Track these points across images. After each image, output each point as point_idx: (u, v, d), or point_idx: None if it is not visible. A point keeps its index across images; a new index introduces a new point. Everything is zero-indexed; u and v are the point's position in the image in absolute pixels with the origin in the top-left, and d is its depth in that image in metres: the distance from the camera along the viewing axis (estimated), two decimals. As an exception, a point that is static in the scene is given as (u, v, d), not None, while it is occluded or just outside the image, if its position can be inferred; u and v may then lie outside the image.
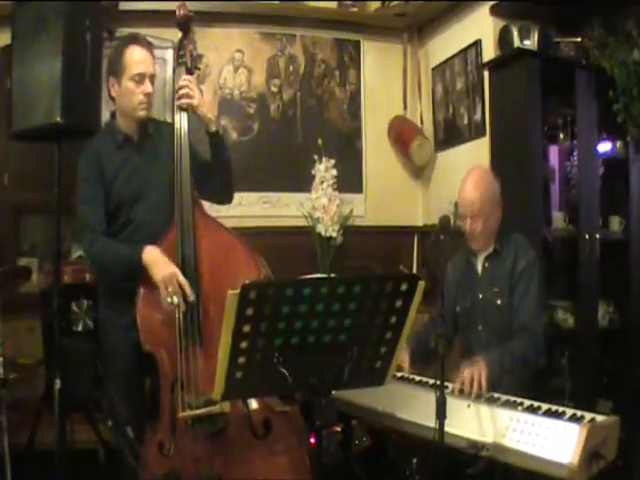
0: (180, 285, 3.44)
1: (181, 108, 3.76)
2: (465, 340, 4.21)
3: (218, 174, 3.89)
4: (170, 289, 3.42)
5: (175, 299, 3.43)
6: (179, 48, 3.89)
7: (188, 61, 3.85)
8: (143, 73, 3.74)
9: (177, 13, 3.89)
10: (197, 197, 3.70)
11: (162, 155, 3.82)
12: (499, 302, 3.98)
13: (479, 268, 4.14)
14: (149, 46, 3.87)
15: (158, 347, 3.55)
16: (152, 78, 3.81)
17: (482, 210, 3.94)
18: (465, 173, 4.13)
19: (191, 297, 3.46)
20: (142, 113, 3.81)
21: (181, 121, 3.75)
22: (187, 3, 3.94)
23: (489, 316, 4.04)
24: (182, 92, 3.73)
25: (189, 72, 3.85)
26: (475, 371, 3.46)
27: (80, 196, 3.81)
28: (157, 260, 3.51)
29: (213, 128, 3.81)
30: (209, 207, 3.91)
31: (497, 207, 4.03)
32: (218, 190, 3.97)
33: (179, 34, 5.61)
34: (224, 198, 4.07)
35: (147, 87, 3.76)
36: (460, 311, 4.20)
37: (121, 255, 3.64)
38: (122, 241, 3.76)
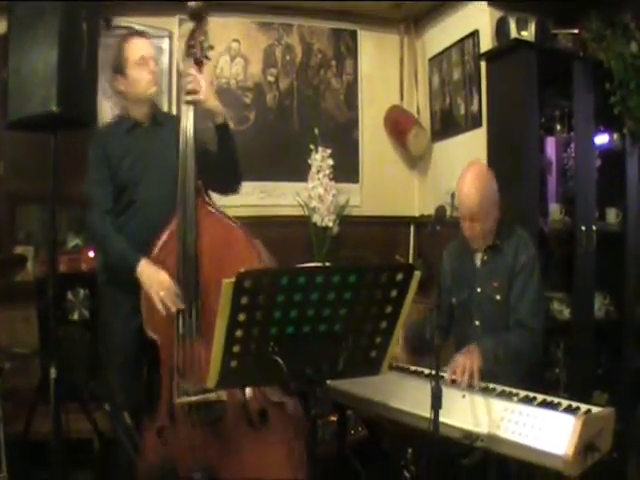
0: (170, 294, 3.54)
1: (187, 102, 3.78)
2: (460, 333, 4.17)
3: (225, 165, 3.96)
4: (161, 294, 3.52)
5: (169, 305, 3.53)
6: (190, 39, 3.89)
7: (198, 52, 3.84)
8: (145, 55, 3.93)
9: (189, 3, 3.87)
10: (201, 187, 3.72)
11: (168, 142, 3.87)
12: (498, 297, 3.94)
13: (478, 261, 4.09)
14: (144, 35, 4.09)
15: (160, 334, 3.62)
16: (154, 58, 4.00)
17: (481, 212, 3.87)
18: (462, 171, 4.02)
19: (172, 308, 3.52)
20: (152, 90, 4.00)
21: (187, 115, 3.76)
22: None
23: (487, 311, 4.00)
24: (188, 88, 3.75)
25: (197, 63, 3.85)
26: (468, 360, 3.46)
27: (89, 179, 3.97)
28: (148, 272, 3.62)
29: (220, 120, 3.86)
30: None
31: (495, 205, 3.96)
32: (225, 181, 4.04)
33: (175, 23, 5.64)
34: (230, 189, 4.12)
35: (151, 65, 3.95)
36: (456, 303, 4.17)
37: (121, 255, 3.76)
38: (124, 223, 3.90)
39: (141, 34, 4.09)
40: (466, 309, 4.11)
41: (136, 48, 3.95)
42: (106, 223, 3.85)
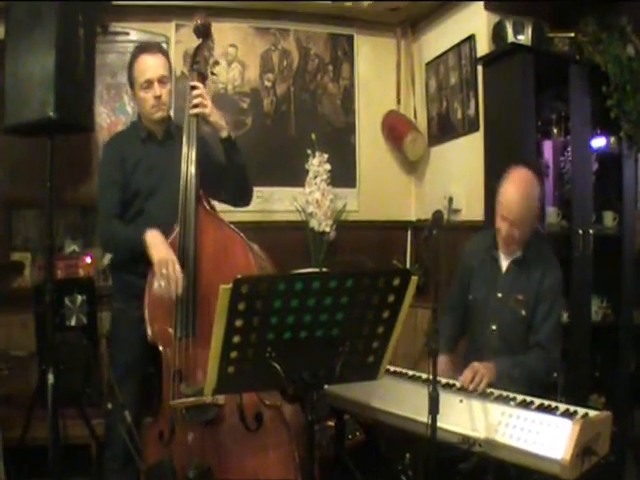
0: (175, 272, 3.53)
1: (194, 115, 3.86)
2: (476, 336, 4.14)
3: (233, 178, 4.04)
4: (164, 271, 3.51)
5: (167, 284, 3.53)
6: (195, 55, 4.01)
7: (202, 67, 3.97)
8: (149, 79, 3.92)
9: (195, 21, 4.01)
10: (202, 195, 3.77)
11: (180, 156, 3.87)
12: (523, 312, 3.90)
13: (504, 265, 4.05)
14: (155, 49, 4.06)
15: (161, 339, 3.66)
16: (162, 79, 3.96)
17: (523, 217, 3.84)
18: (510, 172, 3.97)
19: (179, 289, 3.53)
20: (157, 115, 4.00)
21: (191, 125, 3.84)
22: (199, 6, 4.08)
23: (507, 321, 3.95)
24: (195, 101, 3.83)
25: (202, 77, 3.96)
26: (479, 373, 3.45)
27: (99, 183, 4.05)
28: (157, 243, 3.63)
29: (224, 134, 3.94)
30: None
31: (535, 215, 3.95)
32: (234, 194, 4.14)
33: (172, 28, 5.66)
34: (240, 201, 4.23)
35: (155, 90, 3.93)
36: (472, 300, 4.14)
37: (127, 238, 3.80)
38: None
39: (153, 48, 4.08)
40: (482, 310, 4.07)
41: (142, 69, 3.94)
42: (112, 222, 3.90)
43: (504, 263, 4.05)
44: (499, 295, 4.00)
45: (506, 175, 3.97)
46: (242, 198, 4.21)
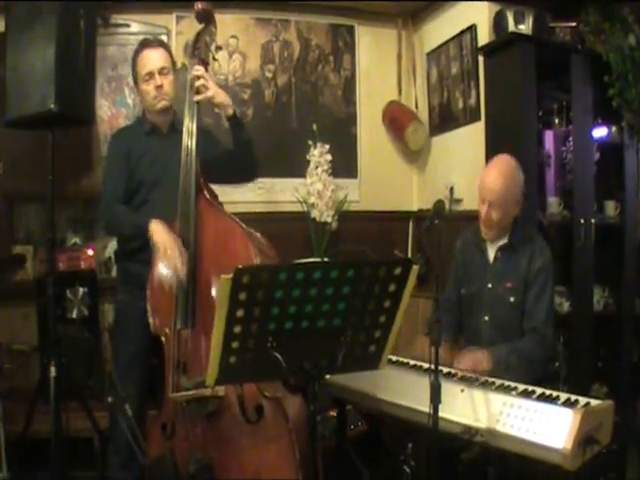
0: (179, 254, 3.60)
1: (199, 101, 3.91)
2: (469, 327, 4.18)
3: (241, 156, 4.12)
4: (169, 252, 3.59)
5: (171, 265, 3.61)
6: (196, 40, 4.04)
7: (202, 53, 4.00)
8: (150, 71, 4.01)
9: (196, 6, 4.02)
10: (202, 184, 3.80)
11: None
12: (512, 299, 3.94)
13: (491, 255, 4.09)
14: (156, 44, 4.17)
15: (163, 330, 3.68)
16: (163, 70, 4.05)
17: (502, 199, 3.89)
18: (493, 159, 4.11)
19: (182, 271, 3.59)
20: (159, 105, 4.08)
21: (192, 113, 3.88)
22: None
23: (498, 310, 3.99)
24: (198, 84, 3.88)
25: (204, 63, 3.99)
26: (478, 364, 3.46)
27: (105, 172, 4.20)
28: (160, 229, 3.68)
29: (230, 112, 4.03)
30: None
31: (517, 202, 3.97)
32: (242, 172, 4.26)
33: (173, 19, 5.66)
34: (247, 178, 4.40)
35: (156, 80, 4.02)
36: (465, 294, 4.18)
37: (133, 223, 3.89)
38: None
39: (154, 42, 4.19)
40: (475, 303, 4.11)
41: (144, 62, 4.04)
42: (116, 206, 3.97)
43: (491, 253, 4.10)
44: (489, 286, 4.05)
45: (490, 161, 4.07)
46: (249, 176, 4.36)
